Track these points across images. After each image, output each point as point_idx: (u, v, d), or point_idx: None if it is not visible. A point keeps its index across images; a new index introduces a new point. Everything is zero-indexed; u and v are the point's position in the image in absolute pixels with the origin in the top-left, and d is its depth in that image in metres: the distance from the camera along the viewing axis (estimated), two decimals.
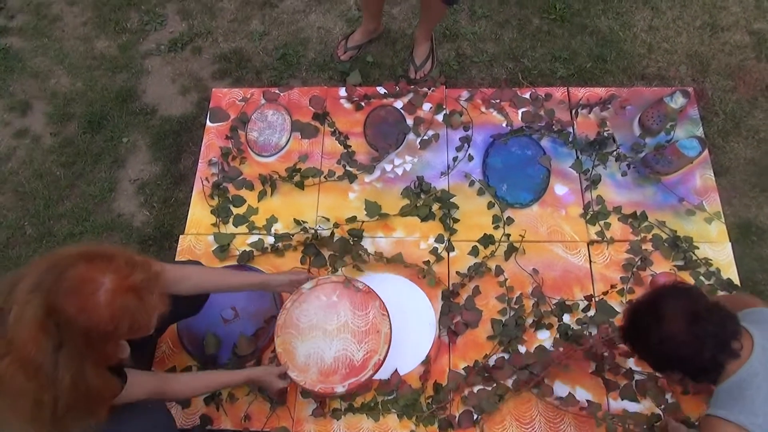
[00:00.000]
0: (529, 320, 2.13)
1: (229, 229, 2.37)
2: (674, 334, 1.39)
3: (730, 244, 2.23)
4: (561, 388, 2.02)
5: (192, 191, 2.46)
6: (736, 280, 2.15)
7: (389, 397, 2.03)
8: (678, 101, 2.45)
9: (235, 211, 2.40)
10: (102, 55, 2.89)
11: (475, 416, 1.99)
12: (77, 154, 2.62)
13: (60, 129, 2.70)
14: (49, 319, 1.25)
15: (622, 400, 1.99)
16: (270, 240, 2.32)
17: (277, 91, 2.65)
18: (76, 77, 2.84)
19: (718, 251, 2.21)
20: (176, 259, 2.30)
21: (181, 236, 2.36)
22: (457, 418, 1.99)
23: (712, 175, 2.36)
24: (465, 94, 2.58)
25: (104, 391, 1.41)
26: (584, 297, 2.13)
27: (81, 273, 1.28)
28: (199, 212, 2.41)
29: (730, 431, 1.37)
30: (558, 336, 2.10)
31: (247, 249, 2.30)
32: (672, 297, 1.45)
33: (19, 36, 2.98)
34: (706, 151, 2.39)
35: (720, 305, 1.44)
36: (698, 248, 2.21)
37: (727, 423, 1.37)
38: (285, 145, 2.53)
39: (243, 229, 2.36)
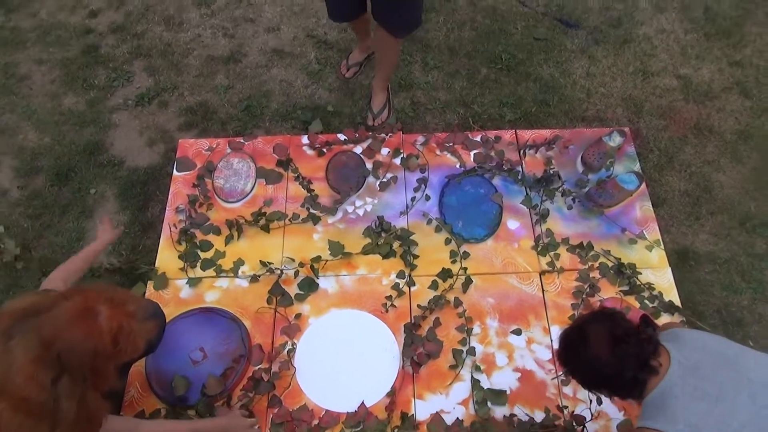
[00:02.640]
0: (489, 348, 2.23)
1: (197, 273, 2.43)
2: (598, 355, 1.52)
3: (670, 269, 2.39)
4: (520, 412, 2.11)
5: (160, 238, 2.52)
6: (677, 302, 2.30)
7: (356, 429, 2.09)
8: (616, 140, 2.66)
9: (202, 255, 2.47)
10: (70, 111, 2.98)
11: None
12: (45, 206, 2.68)
13: (27, 182, 2.76)
14: (47, 352, 1.30)
15: None
16: (238, 282, 2.40)
17: (242, 140, 2.77)
18: (44, 132, 2.91)
19: (659, 276, 2.37)
20: None
21: (149, 282, 2.41)
22: None
23: (651, 206, 2.55)
24: (420, 138, 2.75)
25: (101, 416, 1.47)
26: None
27: (79, 303, 1.37)
28: (167, 257, 2.47)
29: None
30: (516, 365, 2.20)
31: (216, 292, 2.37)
32: (596, 321, 1.59)
33: None
34: (643, 185, 2.58)
35: (639, 329, 1.57)
36: (641, 274, 2.36)
37: (652, 431, 1.48)
38: (250, 191, 2.64)
39: (211, 272, 2.43)
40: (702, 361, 1.52)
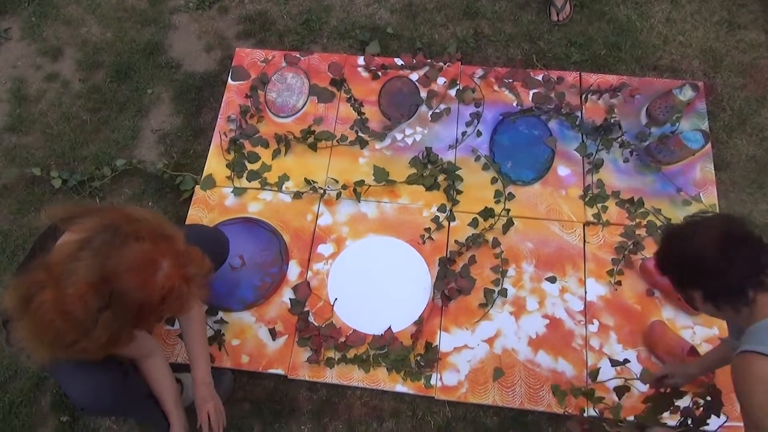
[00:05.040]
0: (521, 292, 2.24)
1: (243, 183, 2.48)
2: (704, 249, 1.35)
3: None
4: (544, 358, 2.14)
5: (210, 145, 2.57)
6: None
7: (381, 352, 2.15)
8: (687, 94, 2.51)
9: (249, 166, 2.51)
10: (132, 8, 2.99)
11: (460, 377, 2.11)
12: (103, 101, 2.74)
13: (89, 76, 2.81)
14: (103, 285, 1.34)
15: None
16: (281, 197, 2.44)
17: (298, 55, 2.74)
18: (107, 27, 2.94)
19: None
20: (190, 209, 2.42)
21: (196, 187, 2.48)
22: (442, 377, 2.11)
23: (713, 168, 2.42)
24: (479, 71, 2.65)
25: (126, 343, 1.51)
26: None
27: (144, 251, 1.37)
28: (216, 165, 2.52)
29: (766, 368, 1.29)
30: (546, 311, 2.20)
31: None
32: (714, 218, 1.44)
33: None
34: (709, 145, 2.45)
35: (762, 238, 1.38)
36: None
37: (763, 358, 1.29)
38: (302, 108, 2.63)
39: (256, 184, 2.48)
40: None
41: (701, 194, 2.37)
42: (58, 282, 1.35)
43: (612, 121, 2.50)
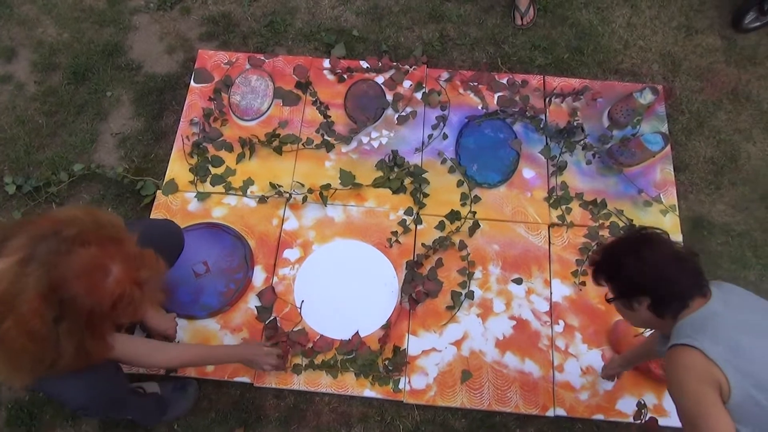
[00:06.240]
0: (488, 294, 2.25)
1: (207, 188, 2.43)
2: (662, 258, 1.46)
3: (682, 236, 2.35)
4: (511, 359, 2.15)
5: (172, 149, 2.51)
6: None
7: (348, 357, 2.14)
8: (647, 97, 2.56)
9: (213, 170, 2.47)
10: (90, 8, 2.90)
11: (428, 380, 2.11)
12: (60, 104, 2.65)
13: (44, 78, 2.72)
14: (52, 294, 1.29)
15: None
16: (246, 201, 2.40)
17: (262, 58, 2.70)
18: (63, 28, 2.85)
19: None
20: (151, 215, 2.36)
21: (158, 191, 2.42)
22: (410, 380, 2.11)
23: (672, 170, 2.48)
24: (445, 74, 2.66)
25: (103, 354, 1.47)
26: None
27: (92, 256, 1.32)
28: (178, 169, 2.47)
29: (692, 357, 1.37)
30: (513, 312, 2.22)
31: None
32: (657, 236, 1.52)
33: None
34: (668, 147, 2.51)
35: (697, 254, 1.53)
36: None
37: (689, 348, 1.38)
38: (266, 111, 2.59)
39: (220, 188, 2.43)
40: (746, 305, 1.47)
41: (661, 195, 2.42)
42: (13, 307, 1.29)
43: (575, 123, 2.53)
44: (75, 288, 1.30)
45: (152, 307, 1.45)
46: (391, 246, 2.32)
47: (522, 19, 2.79)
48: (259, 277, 2.27)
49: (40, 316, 1.29)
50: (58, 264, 1.30)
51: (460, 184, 2.44)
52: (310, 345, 2.15)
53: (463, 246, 2.31)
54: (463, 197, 2.41)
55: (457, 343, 2.17)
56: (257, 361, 2.00)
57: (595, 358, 2.15)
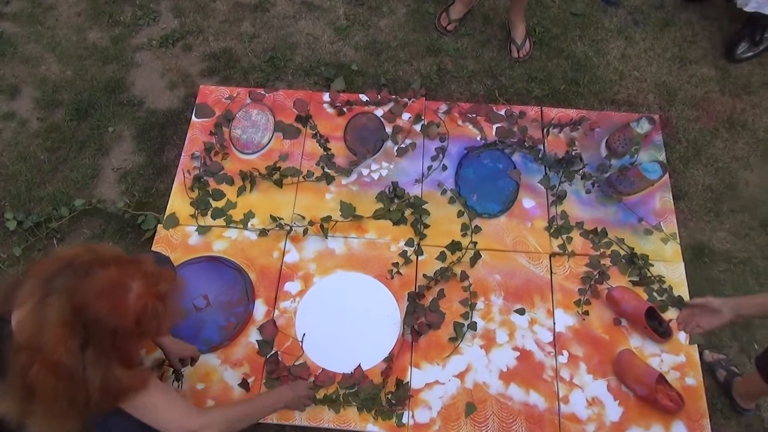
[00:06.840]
0: (490, 325, 2.23)
1: (207, 221, 2.44)
2: None
3: (683, 263, 2.35)
4: (515, 391, 2.12)
5: (173, 183, 2.52)
6: (687, 298, 2.27)
7: (351, 391, 2.11)
8: (644, 127, 2.58)
9: (214, 204, 2.47)
10: (94, 46, 2.95)
11: (432, 414, 2.08)
12: (62, 140, 2.67)
13: (47, 114, 2.75)
14: (76, 319, 1.29)
15: None
16: (246, 234, 2.40)
17: (262, 92, 2.74)
18: (67, 65, 2.89)
19: (671, 270, 2.33)
20: (152, 248, 2.36)
21: (159, 225, 2.42)
22: (414, 414, 2.07)
23: (671, 198, 2.49)
24: (443, 106, 2.69)
25: (133, 386, 1.45)
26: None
27: (113, 276, 1.34)
28: (179, 203, 2.47)
29: None
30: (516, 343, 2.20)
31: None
32: None
33: (13, 22, 3.03)
34: (666, 176, 2.52)
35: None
36: (653, 266, 2.32)
37: None
38: (267, 144, 2.61)
39: (220, 222, 2.43)
40: None
41: (661, 223, 2.43)
42: (39, 348, 1.29)
43: (573, 153, 2.55)
44: (97, 307, 1.30)
45: (175, 322, 1.44)
46: (392, 277, 2.31)
47: (518, 52, 2.84)
48: (260, 310, 2.26)
49: (64, 344, 1.29)
50: (78, 287, 1.30)
51: (460, 214, 2.44)
52: (312, 379, 2.13)
53: (464, 276, 2.30)
54: (464, 228, 2.41)
55: (461, 375, 2.15)
56: (302, 402, 1.99)
57: (600, 389, 2.12)
